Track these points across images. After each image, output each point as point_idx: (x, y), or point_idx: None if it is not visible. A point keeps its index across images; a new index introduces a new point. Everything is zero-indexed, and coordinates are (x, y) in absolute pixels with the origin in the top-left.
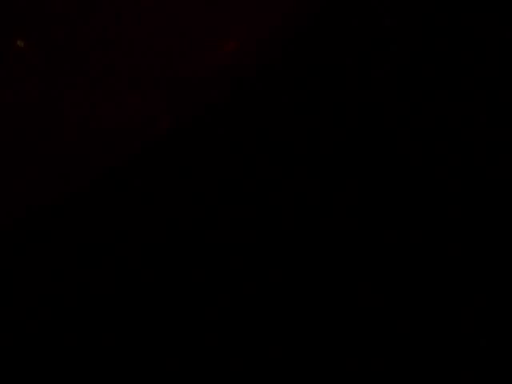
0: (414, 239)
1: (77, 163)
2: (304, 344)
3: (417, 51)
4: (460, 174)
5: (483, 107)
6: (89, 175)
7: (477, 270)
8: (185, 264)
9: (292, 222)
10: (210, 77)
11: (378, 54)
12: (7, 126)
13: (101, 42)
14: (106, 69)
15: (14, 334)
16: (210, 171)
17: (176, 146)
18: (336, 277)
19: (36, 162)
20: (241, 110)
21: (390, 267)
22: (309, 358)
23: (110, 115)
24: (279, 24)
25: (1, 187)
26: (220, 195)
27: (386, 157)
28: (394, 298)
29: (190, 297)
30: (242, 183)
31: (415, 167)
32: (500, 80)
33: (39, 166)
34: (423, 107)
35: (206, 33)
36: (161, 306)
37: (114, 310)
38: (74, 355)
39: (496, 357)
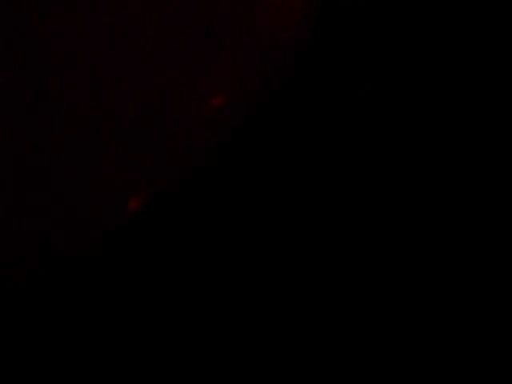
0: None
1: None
2: (303, 345)
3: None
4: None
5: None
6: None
7: (476, 271)
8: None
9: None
10: (197, 133)
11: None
12: None
13: (75, 99)
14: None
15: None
16: (197, 233)
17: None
18: (336, 277)
19: None
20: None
21: (390, 269)
22: (308, 358)
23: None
24: (267, 75)
25: None
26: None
27: (392, 171)
28: (394, 298)
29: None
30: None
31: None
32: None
33: None
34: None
35: (188, 90)
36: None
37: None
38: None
39: (495, 357)
